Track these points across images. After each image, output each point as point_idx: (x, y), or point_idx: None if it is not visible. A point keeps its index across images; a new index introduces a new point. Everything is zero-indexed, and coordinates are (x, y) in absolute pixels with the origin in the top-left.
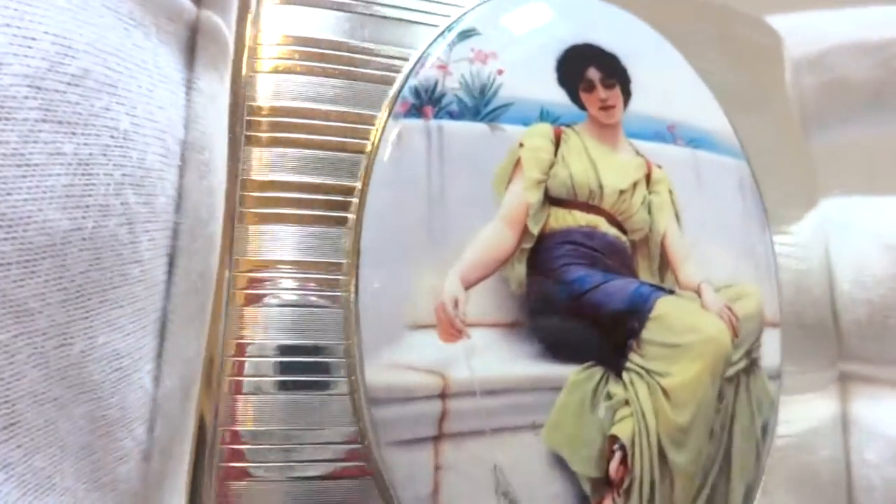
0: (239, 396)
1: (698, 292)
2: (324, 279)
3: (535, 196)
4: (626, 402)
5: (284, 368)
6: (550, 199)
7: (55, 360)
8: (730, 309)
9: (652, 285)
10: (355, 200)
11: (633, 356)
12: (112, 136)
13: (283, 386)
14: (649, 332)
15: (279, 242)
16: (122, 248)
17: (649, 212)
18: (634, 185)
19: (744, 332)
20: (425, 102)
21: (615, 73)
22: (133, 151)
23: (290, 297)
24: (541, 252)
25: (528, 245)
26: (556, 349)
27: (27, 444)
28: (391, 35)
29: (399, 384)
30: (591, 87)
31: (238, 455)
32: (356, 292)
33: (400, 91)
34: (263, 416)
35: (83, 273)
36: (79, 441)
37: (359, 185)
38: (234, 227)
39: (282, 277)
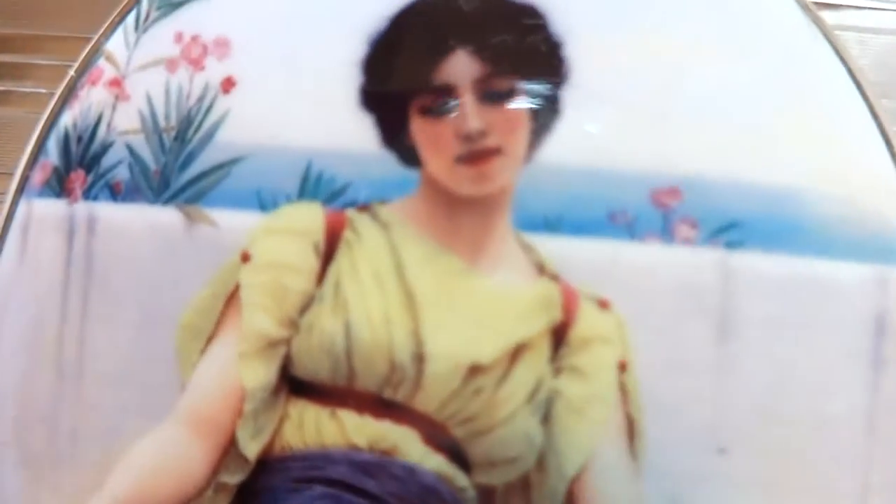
0: None
1: None
2: None
3: (259, 375)
4: None
5: None
6: (294, 383)
7: None
8: None
9: None
10: None
11: None
12: None
13: None
14: None
15: None
16: None
17: (546, 421)
18: (514, 354)
19: None
20: (74, 165)
21: (523, 56)
22: None
23: None
24: (260, 496)
25: (233, 479)
26: None
27: None
28: None
29: None
30: (441, 106)
31: None
32: None
33: (42, 139)
34: None
35: None
36: None
37: None
38: None
39: None
